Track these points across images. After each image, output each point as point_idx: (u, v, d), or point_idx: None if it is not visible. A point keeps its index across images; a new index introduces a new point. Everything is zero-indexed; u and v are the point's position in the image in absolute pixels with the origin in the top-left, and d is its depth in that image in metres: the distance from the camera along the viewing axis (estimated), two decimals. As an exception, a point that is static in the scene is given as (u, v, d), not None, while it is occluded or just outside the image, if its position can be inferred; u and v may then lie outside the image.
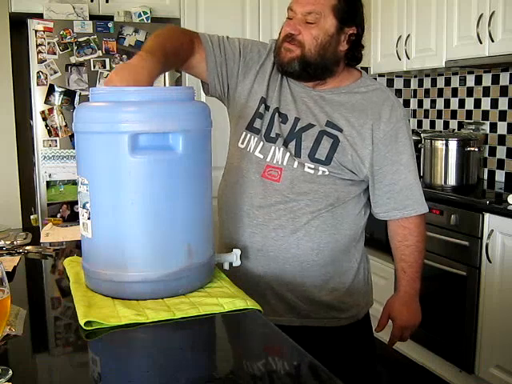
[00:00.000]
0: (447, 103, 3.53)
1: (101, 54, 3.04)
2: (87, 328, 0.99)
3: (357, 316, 1.51)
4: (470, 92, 3.34)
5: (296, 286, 1.43)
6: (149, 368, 0.91)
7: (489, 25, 2.68)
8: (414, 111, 3.84)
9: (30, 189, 3.17)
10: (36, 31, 2.91)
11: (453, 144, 2.94)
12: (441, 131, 3.54)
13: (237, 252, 1.26)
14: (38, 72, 2.94)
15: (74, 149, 2.96)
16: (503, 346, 2.42)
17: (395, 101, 1.43)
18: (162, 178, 1.10)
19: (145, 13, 3.18)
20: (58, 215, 3.01)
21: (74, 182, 2.97)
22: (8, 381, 0.82)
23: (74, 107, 3.00)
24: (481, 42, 2.74)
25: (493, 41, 2.68)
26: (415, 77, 3.81)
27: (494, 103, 3.16)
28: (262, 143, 1.42)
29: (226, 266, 1.27)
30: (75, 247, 1.54)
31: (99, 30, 3.02)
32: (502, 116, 3.11)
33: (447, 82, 3.52)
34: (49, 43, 2.94)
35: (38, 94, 2.96)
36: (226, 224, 1.48)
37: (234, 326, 1.09)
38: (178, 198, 1.12)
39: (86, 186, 1.11)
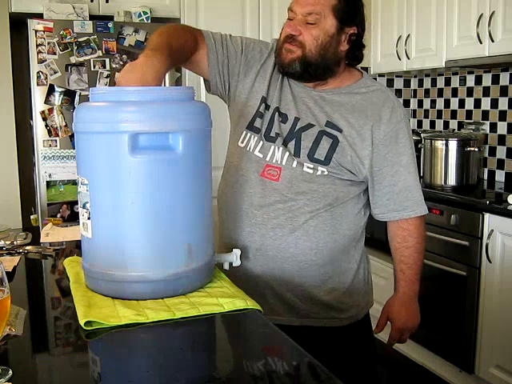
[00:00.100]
0: (447, 103, 3.53)
1: (101, 54, 3.04)
2: (87, 328, 0.99)
3: (357, 316, 1.51)
4: (469, 92, 3.34)
5: (295, 285, 1.43)
6: (149, 368, 0.91)
7: (489, 25, 2.68)
8: (414, 111, 3.84)
9: (30, 189, 3.17)
10: (36, 31, 2.91)
11: (453, 144, 2.94)
12: (441, 131, 3.54)
13: (237, 252, 1.26)
14: (38, 72, 2.94)
15: (74, 149, 2.96)
16: (503, 346, 2.42)
17: (396, 102, 1.43)
18: (162, 178, 1.10)
19: (145, 13, 3.18)
20: (58, 215, 3.01)
21: (74, 182, 2.97)
22: (8, 381, 0.82)
23: (74, 107, 3.00)
24: (481, 42, 2.74)
25: (493, 41, 2.68)
26: (415, 77, 3.81)
27: (494, 103, 3.16)
28: (261, 142, 1.42)
29: (226, 266, 1.27)
30: (75, 247, 1.54)
31: (99, 30, 3.02)
32: (502, 116, 3.11)
33: (447, 82, 3.52)
34: (49, 43, 2.94)
35: (38, 94, 2.96)
36: (226, 223, 1.48)
37: (233, 326, 1.09)
38: (178, 198, 1.12)
39: (86, 186, 1.11)
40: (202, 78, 1.52)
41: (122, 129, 1.06)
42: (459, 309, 2.61)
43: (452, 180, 2.95)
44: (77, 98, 3.01)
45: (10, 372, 0.84)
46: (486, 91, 3.21)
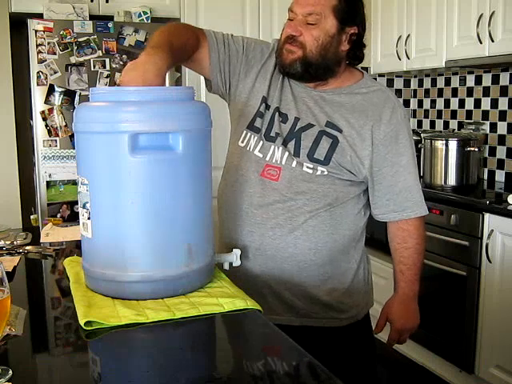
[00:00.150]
0: (447, 103, 3.53)
1: (101, 54, 3.04)
2: (87, 328, 0.99)
3: (356, 316, 1.51)
4: (469, 92, 3.34)
5: (294, 285, 1.43)
6: (149, 368, 0.91)
7: (489, 25, 2.68)
8: (414, 111, 3.84)
9: (30, 189, 3.17)
10: (36, 31, 2.91)
11: (453, 144, 2.94)
12: (441, 131, 3.54)
13: (237, 252, 1.26)
14: (38, 72, 2.94)
15: (74, 149, 2.96)
16: (503, 346, 2.42)
17: (396, 102, 1.43)
18: (162, 178, 1.10)
19: (145, 13, 3.18)
20: (58, 215, 3.01)
21: (74, 182, 2.97)
22: (8, 381, 0.82)
23: (74, 107, 3.00)
24: (481, 42, 2.74)
25: (493, 41, 2.68)
26: (415, 77, 3.81)
27: (494, 103, 3.16)
28: (261, 142, 1.42)
29: (226, 266, 1.27)
30: (75, 247, 1.54)
31: (99, 30, 3.02)
32: (502, 116, 3.11)
33: (447, 82, 3.52)
34: (49, 43, 2.94)
35: (38, 94, 2.96)
36: (226, 223, 1.48)
37: (233, 326, 1.09)
38: (178, 198, 1.12)
39: (86, 186, 1.11)
40: (202, 78, 1.52)
41: (121, 129, 1.06)
42: (459, 309, 2.61)
43: (452, 180, 2.95)
44: (77, 98, 3.01)
45: (10, 372, 0.84)
46: (486, 91, 3.21)
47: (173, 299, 1.11)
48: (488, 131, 3.20)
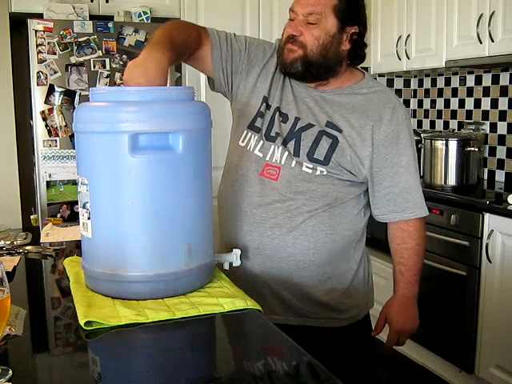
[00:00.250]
0: (447, 103, 3.53)
1: (101, 54, 3.04)
2: (87, 328, 0.99)
3: (356, 317, 1.51)
4: (469, 92, 3.34)
5: (293, 285, 1.43)
6: (149, 368, 0.91)
7: (489, 25, 2.68)
8: (414, 111, 3.84)
9: (30, 189, 3.17)
10: (36, 31, 2.91)
11: (453, 144, 2.94)
12: (441, 131, 3.54)
13: (237, 252, 1.26)
14: (38, 72, 2.94)
15: (74, 149, 2.96)
16: (503, 346, 2.42)
17: (397, 102, 1.43)
18: (162, 178, 1.10)
19: (145, 13, 3.18)
20: (58, 215, 3.01)
21: (74, 182, 2.97)
22: (8, 381, 0.82)
23: (74, 107, 3.00)
24: (481, 42, 2.74)
25: (493, 41, 2.68)
26: (415, 77, 3.81)
27: (494, 103, 3.16)
28: (261, 142, 1.42)
29: (226, 266, 1.27)
30: (75, 247, 1.54)
31: (99, 30, 3.02)
32: (502, 116, 3.11)
33: (447, 82, 3.52)
34: (49, 43, 2.94)
35: (38, 94, 2.96)
36: (225, 222, 1.48)
37: (233, 326, 1.09)
38: (178, 198, 1.12)
39: (86, 186, 1.11)
40: (202, 78, 1.53)
41: (122, 129, 1.06)
42: (459, 309, 2.61)
43: (452, 180, 2.95)
44: (77, 98, 3.01)
45: (10, 372, 0.84)
46: (486, 91, 3.21)
47: (173, 299, 1.11)
48: (488, 131, 3.20)
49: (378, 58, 3.54)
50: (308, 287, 1.44)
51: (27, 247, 1.52)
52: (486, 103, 3.22)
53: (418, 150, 3.10)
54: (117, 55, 3.07)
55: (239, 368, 0.94)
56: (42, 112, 2.98)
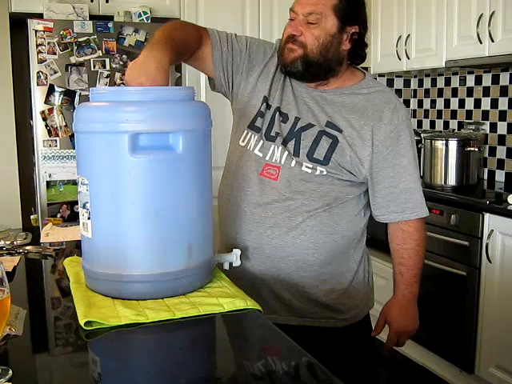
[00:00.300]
0: (447, 103, 3.53)
1: (101, 54, 3.04)
2: (87, 328, 0.99)
3: (356, 317, 1.51)
4: (469, 92, 3.34)
5: (292, 284, 1.43)
6: (149, 368, 0.91)
7: (489, 25, 2.68)
8: (414, 111, 3.84)
9: (30, 189, 3.17)
10: (36, 31, 2.91)
11: (453, 144, 2.94)
12: (441, 131, 3.54)
13: (237, 252, 1.26)
14: (38, 72, 2.94)
15: (74, 149, 2.96)
16: (503, 346, 2.42)
17: (398, 103, 1.43)
18: (162, 178, 1.10)
19: (145, 13, 3.18)
20: (58, 215, 3.01)
21: (74, 182, 2.97)
22: (8, 381, 0.82)
23: (74, 107, 3.00)
24: (481, 42, 2.74)
25: (493, 41, 2.68)
26: (415, 77, 3.81)
27: (494, 103, 3.16)
28: (261, 142, 1.42)
29: (226, 266, 1.27)
30: (75, 247, 1.54)
31: (99, 30, 3.02)
32: (502, 116, 3.11)
33: (447, 82, 3.52)
34: (49, 43, 2.94)
35: (38, 94, 2.96)
36: (225, 222, 1.48)
37: (233, 326, 1.09)
38: (178, 198, 1.12)
39: (86, 186, 1.11)
40: (202, 78, 1.53)
41: (122, 129, 1.06)
42: (459, 309, 2.61)
43: (452, 180, 2.95)
44: (77, 98, 3.01)
45: (10, 372, 0.84)
46: (486, 91, 3.21)
47: (173, 299, 1.11)
48: (488, 131, 3.20)
49: (378, 58, 3.55)
50: (308, 287, 1.44)
51: (27, 247, 1.52)
52: (485, 103, 3.22)
53: (418, 150, 3.10)
54: (117, 55, 3.07)
55: (239, 368, 0.94)
56: (42, 112, 2.98)
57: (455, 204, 2.64)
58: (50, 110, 2.98)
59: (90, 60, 3.02)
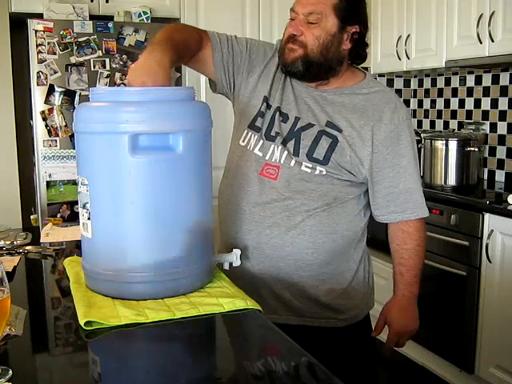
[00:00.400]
0: (447, 103, 3.53)
1: (101, 54, 3.04)
2: (87, 328, 0.99)
3: (356, 317, 1.51)
4: (469, 92, 3.34)
5: (292, 284, 1.43)
6: (149, 368, 0.91)
7: (489, 25, 2.68)
8: (414, 111, 3.84)
9: (30, 189, 3.17)
10: (36, 31, 2.91)
11: (453, 144, 2.94)
12: (441, 131, 3.54)
13: (237, 252, 1.26)
14: (38, 72, 2.94)
15: (74, 149, 2.96)
16: (503, 346, 2.42)
17: (398, 103, 1.43)
18: (162, 178, 1.10)
19: (145, 13, 3.18)
20: (58, 215, 3.01)
21: (74, 182, 2.97)
22: (8, 381, 0.82)
23: (74, 107, 3.00)
24: (481, 42, 2.74)
25: (493, 41, 2.68)
26: (415, 77, 3.81)
27: (494, 103, 3.16)
28: (261, 141, 1.42)
29: (226, 266, 1.27)
30: (75, 247, 1.54)
31: (99, 30, 3.02)
32: (502, 116, 3.11)
33: (447, 82, 3.52)
34: (49, 43, 2.94)
35: (38, 94, 2.96)
36: (225, 221, 1.49)
37: (233, 326, 1.09)
38: (178, 198, 1.12)
39: (86, 186, 1.11)
40: (202, 78, 1.53)
41: (122, 129, 1.06)
42: (459, 309, 2.61)
43: (452, 180, 2.95)
44: (77, 97, 3.01)
45: (10, 372, 0.84)
46: (486, 91, 3.21)
47: (173, 299, 1.11)
48: (488, 131, 3.20)
49: (378, 58, 3.55)
50: (307, 287, 1.44)
51: (27, 247, 1.52)
52: (485, 103, 3.22)
53: (418, 150, 3.10)
54: (117, 55, 3.07)
55: (239, 368, 0.94)
56: (42, 112, 2.98)
57: (455, 204, 2.64)
58: (50, 110, 2.98)
59: (90, 60, 3.02)
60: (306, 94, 1.44)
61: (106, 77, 3.06)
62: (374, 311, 1.58)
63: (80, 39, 2.99)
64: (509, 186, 3.01)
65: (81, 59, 3.00)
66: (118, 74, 3.07)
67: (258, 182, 1.40)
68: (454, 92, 3.46)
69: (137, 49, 3.07)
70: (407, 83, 3.87)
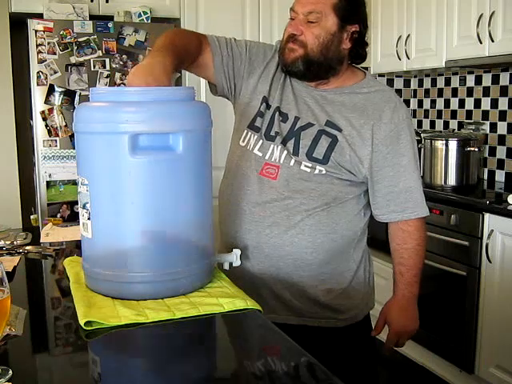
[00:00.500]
0: (447, 103, 3.53)
1: (101, 54, 3.04)
2: (87, 328, 0.99)
3: (356, 317, 1.50)
4: (469, 92, 3.34)
5: (291, 284, 1.43)
6: (149, 368, 0.91)
7: (489, 25, 2.68)
8: (414, 111, 3.84)
9: (30, 189, 3.17)
10: (36, 31, 2.91)
11: (453, 144, 2.94)
12: (441, 131, 3.54)
13: (237, 252, 1.26)
14: (38, 72, 2.94)
15: (74, 149, 2.96)
16: (503, 346, 2.42)
17: (398, 102, 1.43)
18: (162, 178, 1.10)
19: (145, 13, 3.18)
20: (58, 215, 3.01)
21: (74, 182, 2.97)
22: (8, 381, 0.82)
23: (74, 107, 3.00)
24: (481, 42, 2.74)
25: (493, 41, 2.68)
26: (415, 77, 3.81)
27: (494, 103, 3.16)
28: (261, 141, 1.43)
29: (226, 266, 1.27)
30: (75, 247, 1.54)
31: (99, 30, 3.02)
32: (502, 116, 3.11)
33: (447, 82, 3.52)
34: (49, 43, 2.94)
35: (38, 94, 2.96)
36: (225, 221, 1.49)
37: (233, 326, 1.09)
38: (178, 198, 1.12)
39: (86, 187, 1.11)
40: (205, 81, 1.53)
41: (122, 129, 1.06)
42: (459, 309, 2.61)
43: (452, 180, 2.95)
44: (77, 98, 3.01)
45: (10, 372, 0.84)
46: (486, 91, 3.21)
47: (173, 299, 1.11)
48: (488, 131, 3.20)
49: (378, 58, 3.55)
50: (306, 287, 1.44)
51: (27, 247, 1.52)
52: (485, 103, 3.22)
53: (418, 150, 3.10)
54: (117, 55, 3.07)
55: (239, 368, 0.94)
56: (42, 112, 2.98)
57: (455, 204, 2.64)
58: (50, 110, 2.98)
59: (89, 60, 3.02)
60: (305, 94, 1.44)
61: (106, 77, 3.06)
62: (374, 311, 1.58)
63: (80, 39, 2.99)
64: (509, 186, 3.01)
65: (81, 59, 3.00)
66: (117, 74, 3.07)
67: (258, 182, 1.41)
68: (454, 92, 3.46)
69: (137, 49, 3.07)
70: (407, 83, 3.87)
